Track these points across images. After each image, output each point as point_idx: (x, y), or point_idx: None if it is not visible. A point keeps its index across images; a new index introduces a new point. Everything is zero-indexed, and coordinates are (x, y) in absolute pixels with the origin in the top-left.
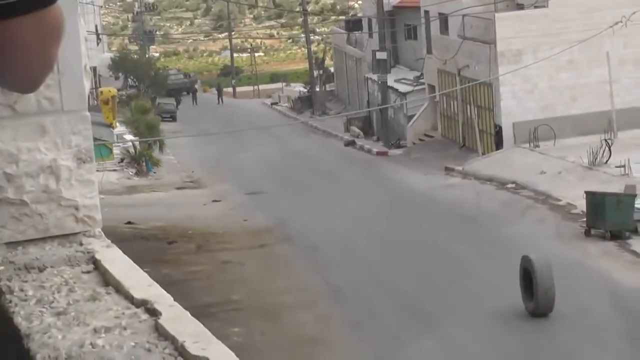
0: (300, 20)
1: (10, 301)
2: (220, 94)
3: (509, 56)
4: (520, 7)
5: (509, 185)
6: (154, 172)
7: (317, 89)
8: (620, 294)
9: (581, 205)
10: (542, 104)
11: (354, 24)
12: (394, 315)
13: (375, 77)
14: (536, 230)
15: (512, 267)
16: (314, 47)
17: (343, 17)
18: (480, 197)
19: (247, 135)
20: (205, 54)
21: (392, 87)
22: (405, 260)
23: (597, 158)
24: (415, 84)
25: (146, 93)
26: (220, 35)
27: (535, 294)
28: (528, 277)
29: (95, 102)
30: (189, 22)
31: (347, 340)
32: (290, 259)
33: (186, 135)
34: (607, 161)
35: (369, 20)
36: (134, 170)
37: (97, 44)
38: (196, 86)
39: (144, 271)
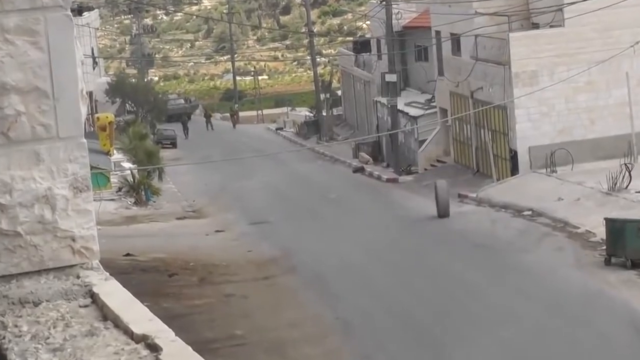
0: (305, 41)
1: (4, 337)
2: (233, 118)
3: (524, 78)
4: (536, 26)
5: (525, 213)
6: (154, 202)
7: (324, 113)
8: None
9: (601, 232)
10: (559, 127)
11: (362, 45)
12: (404, 347)
13: (384, 100)
14: (554, 258)
15: (529, 297)
16: (320, 70)
17: (351, 38)
18: (495, 225)
19: (252, 161)
20: (206, 78)
21: (402, 111)
22: (416, 289)
23: (616, 183)
24: (426, 107)
25: (145, 119)
26: (222, 58)
27: (437, 203)
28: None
29: (92, 128)
30: (189, 45)
31: None
32: (297, 290)
33: (187, 164)
34: (627, 186)
35: (378, 41)
36: (132, 200)
37: (94, 67)
38: (209, 111)
39: (144, 305)
